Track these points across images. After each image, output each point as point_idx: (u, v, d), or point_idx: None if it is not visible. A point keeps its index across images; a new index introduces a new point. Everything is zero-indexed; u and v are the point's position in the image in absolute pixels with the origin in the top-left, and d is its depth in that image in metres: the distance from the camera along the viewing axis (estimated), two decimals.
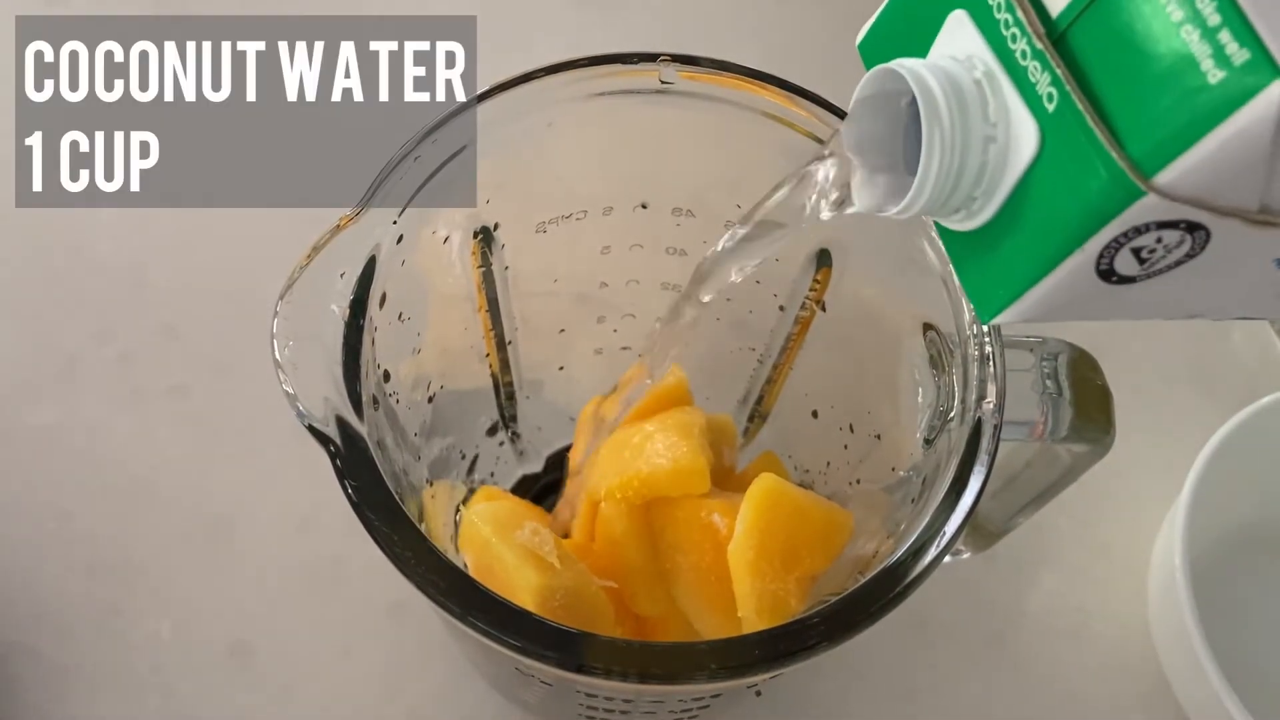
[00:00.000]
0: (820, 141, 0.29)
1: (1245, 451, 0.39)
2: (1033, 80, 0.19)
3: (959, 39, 0.20)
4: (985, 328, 0.27)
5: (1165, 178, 0.17)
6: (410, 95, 0.48)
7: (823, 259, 0.33)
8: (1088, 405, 0.28)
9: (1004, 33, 0.19)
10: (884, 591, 0.24)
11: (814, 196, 0.24)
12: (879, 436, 0.32)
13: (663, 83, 0.29)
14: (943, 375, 0.28)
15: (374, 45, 0.51)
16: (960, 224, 0.21)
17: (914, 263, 0.28)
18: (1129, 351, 0.45)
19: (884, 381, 0.32)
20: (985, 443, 0.26)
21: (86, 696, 0.37)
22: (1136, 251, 0.18)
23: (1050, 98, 0.18)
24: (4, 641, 0.37)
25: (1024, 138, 0.19)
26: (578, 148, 0.31)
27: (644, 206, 0.33)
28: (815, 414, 0.36)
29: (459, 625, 0.23)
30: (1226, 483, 0.39)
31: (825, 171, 0.24)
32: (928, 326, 0.29)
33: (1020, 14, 0.19)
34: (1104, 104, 0.18)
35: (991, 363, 0.27)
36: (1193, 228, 0.18)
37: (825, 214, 0.24)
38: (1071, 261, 0.19)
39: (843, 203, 0.24)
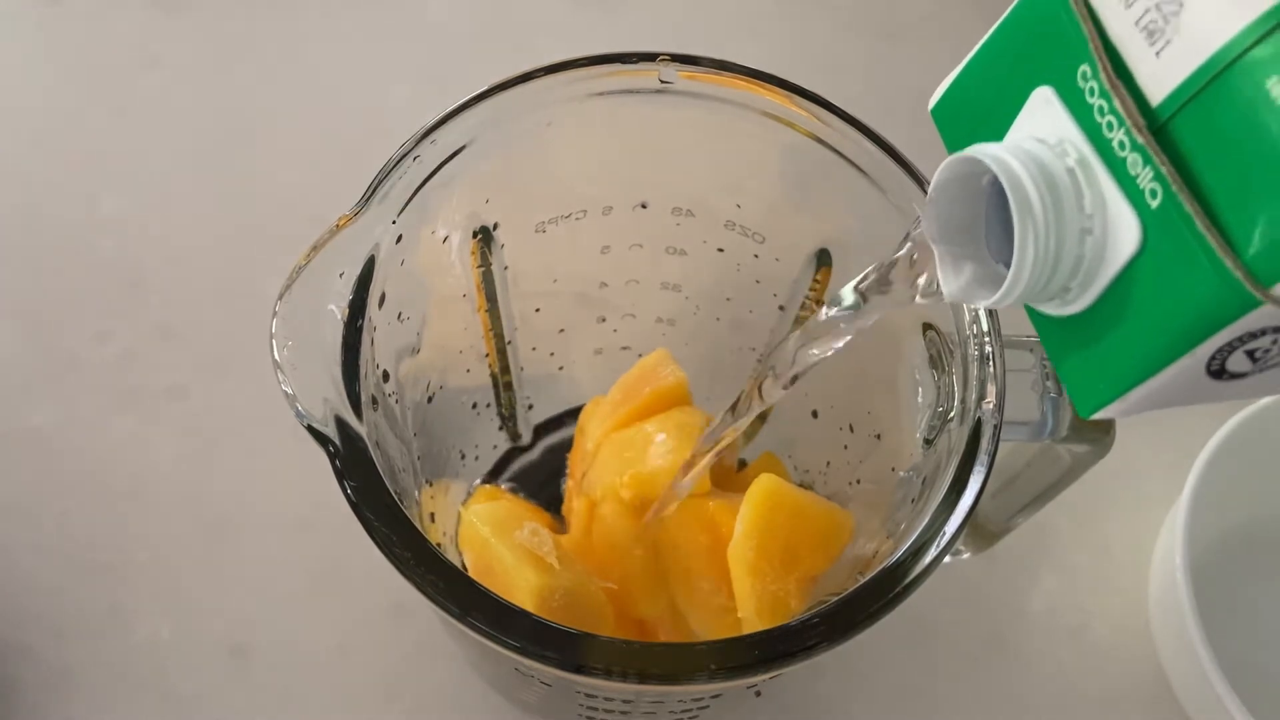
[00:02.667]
0: (820, 141, 0.29)
1: (1246, 452, 0.39)
2: (1133, 173, 0.17)
3: (1046, 119, 0.19)
4: (985, 327, 0.27)
5: None
6: (410, 95, 0.48)
7: (823, 259, 0.33)
8: None
9: (1098, 119, 0.18)
10: (884, 592, 0.24)
11: (900, 285, 0.23)
12: (879, 436, 0.32)
13: (663, 82, 0.29)
14: (943, 375, 0.28)
15: (374, 45, 0.51)
16: (1054, 310, 0.20)
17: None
18: None
19: (884, 381, 0.32)
20: (985, 443, 0.26)
21: (86, 696, 0.37)
22: (1251, 353, 0.17)
23: (1153, 194, 0.17)
24: (4, 641, 0.37)
25: (1124, 232, 0.18)
26: (578, 147, 0.31)
27: (644, 206, 0.33)
28: (815, 414, 0.36)
29: (458, 625, 0.23)
30: (1227, 483, 0.39)
31: (910, 257, 0.23)
32: (928, 326, 0.29)
33: (1117, 103, 0.18)
34: (1211, 200, 0.17)
35: (991, 363, 0.27)
36: None
37: (915, 299, 0.23)
38: (1180, 364, 0.17)
39: (930, 290, 0.22)
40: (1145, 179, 0.17)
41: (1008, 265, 0.19)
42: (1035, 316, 0.21)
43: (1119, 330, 0.18)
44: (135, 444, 0.41)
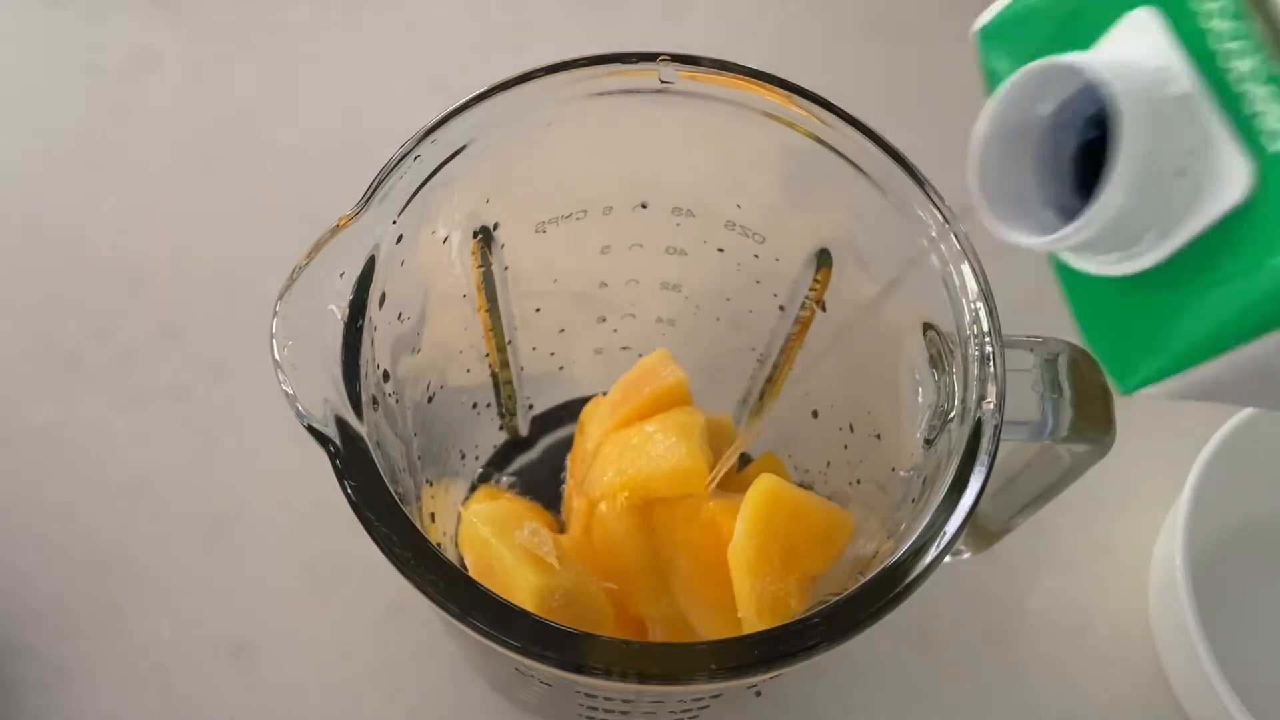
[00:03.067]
0: (820, 141, 0.29)
1: (1246, 452, 0.39)
2: (1256, 109, 0.15)
3: (1141, 44, 0.16)
4: (985, 327, 0.27)
5: None
6: (410, 95, 0.48)
7: (823, 259, 0.33)
8: (1088, 405, 0.28)
9: (1214, 46, 0.16)
10: (884, 591, 0.24)
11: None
12: (879, 436, 0.32)
13: (663, 82, 0.29)
14: (943, 375, 0.28)
15: (374, 45, 0.51)
16: (1108, 266, 0.17)
17: (914, 262, 0.28)
18: None
19: (884, 381, 0.32)
20: (985, 443, 0.26)
21: (86, 696, 0.37)
22: None
23: (1276, 135, 0.15)
24: (4, 641, 0.37)
25: (1230, 177, 0.15)
26: (578, 148, 0.31)
27: (644, 206, 0.33)
28: (815, 414, 0.36)
29: (459, 625, 0.23)
30: (1227, 483, 0.39)
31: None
32: (928, 326, 0.29)
33: (1258, 24, 0.15)
34: None
35: (991, 363, 0.27)
36: None
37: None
38: (1262, 343, 0.15)
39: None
40: (1273, 117, 0.15)
41: (1061, 211, 0.17)
42: (1068, 276, 0.18)
43: (1194, 294, 0.16)
44: (136, 444, 0.41)
